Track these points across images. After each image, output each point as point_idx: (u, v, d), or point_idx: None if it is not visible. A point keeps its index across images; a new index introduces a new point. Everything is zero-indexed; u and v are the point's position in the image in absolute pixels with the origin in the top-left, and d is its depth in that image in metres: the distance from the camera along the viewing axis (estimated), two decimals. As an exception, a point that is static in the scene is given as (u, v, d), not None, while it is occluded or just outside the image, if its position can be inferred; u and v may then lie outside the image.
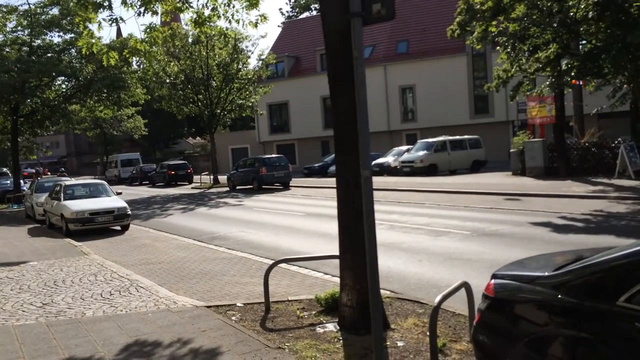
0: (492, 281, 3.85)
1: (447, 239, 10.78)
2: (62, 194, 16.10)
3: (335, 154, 6.02)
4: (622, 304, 2.96)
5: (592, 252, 3.76)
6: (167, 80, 33.54)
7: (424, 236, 11.32)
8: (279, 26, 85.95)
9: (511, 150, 24.82)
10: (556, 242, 9.68)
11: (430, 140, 30.01)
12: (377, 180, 25.35)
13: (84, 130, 50.41)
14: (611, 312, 2.99)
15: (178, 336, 5.81)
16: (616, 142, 20.80)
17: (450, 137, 29.92)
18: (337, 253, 6.08)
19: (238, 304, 6.97)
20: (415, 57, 39.70)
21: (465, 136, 30.57)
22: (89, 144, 73.69)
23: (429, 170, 27.90)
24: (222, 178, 33.89)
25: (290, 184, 28.39)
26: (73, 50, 26.08)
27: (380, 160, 31.89)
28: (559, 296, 3.30)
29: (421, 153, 28.89)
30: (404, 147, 33.06)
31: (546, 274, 3.53)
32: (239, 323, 6.19)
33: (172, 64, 33.27)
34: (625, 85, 21.39)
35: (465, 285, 5.19)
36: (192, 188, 33.98)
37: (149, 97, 33.47)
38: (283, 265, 8.78)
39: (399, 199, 18.92)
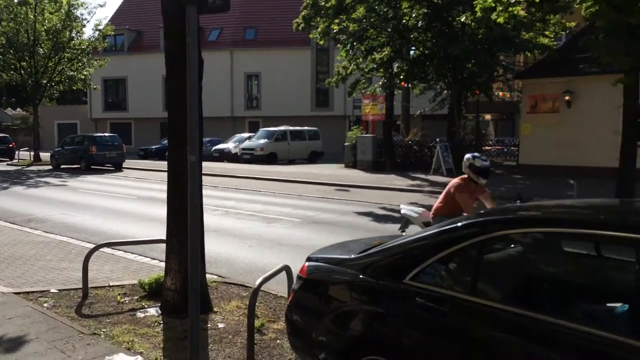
0: (306, 263, 4.14)
1: (279, 226, 11.17)
2: None
3: (168, 137, 5.93)
4: (407, 282, 3.40)
5: (395, 238, 4.21)
6: (-16, 42, 29.65)
7: (257, 223, 11.59)
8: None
9: (345, 144, 26.33)
10: (375, 230, 10.56)
11: (271, 129, 30.62)
12: (217, 166, 25.24)
13: None
14: (399, 289, 3.43)
15: (-23, 325, 5.30)
16: (434, 142, 23.16)
17: (291, 128, 30.81)
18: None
19: (52, 290, 6.53)
20: (262, 45, 40.03)
21: (305, 127, 31.70)
22: None
23: (269, 158, 28.47)
24: (45, 155, 30.95)
25: (124, 166, 26.97)
26: None
27: (221, 146, 31.76)
28: (361, 276, 3.68)
29: (262, 141, 29.35)
30: (246, 135, 33.28)
31: (352, 256, 3.91)
32: (51, 310, 5.82)
33: (-9, 24, 29.48)
34: (444, 92, 23.93)
35: (286, 268, 5.47)
36: (8, 165, 30.58)
37: (-40, 58, 29.31)
38: (108, 250, 8.41)
39: (237, 185, 19.05)
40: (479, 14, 13.38)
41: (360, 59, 22.83)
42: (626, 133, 11.88)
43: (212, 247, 8.43)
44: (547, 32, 21.37)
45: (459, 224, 3.49)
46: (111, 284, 6.83)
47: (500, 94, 30.57)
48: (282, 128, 30.45)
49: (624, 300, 2.78)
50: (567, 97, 19.46)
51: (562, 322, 2.73)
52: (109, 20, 38.44)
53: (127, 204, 14.52)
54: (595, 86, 18.33)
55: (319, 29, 22.49)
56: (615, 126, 13.18)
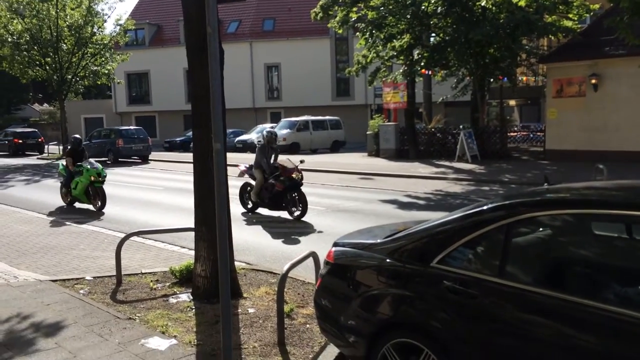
0: (333, 249, 4.21)
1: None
2: None
3: (192, 128, 6.04)
4: (434, 265, 3.45)
5: (420, 223, 4.25)
6: (9, 39, 30.24)
7: (282, 212, 11.68)
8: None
9: (367, 133, 26.28)
10: (400, 217, 10.60)
11: (293, 119, 30.71)
12: (240, 157, 25.35)
13: None
14: (426, 273, 3.48)
15: (18, 311, 5.51)
16: (457, 129, 22.97)
17: (313, 117, 30.85)
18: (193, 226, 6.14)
19: (87, 278, 6.75)
20: (281, 36, 40.04)
21: (327, 117, 31.71)
22: None
23: (292, 148, 28.55)
24: (74, 149, 31.56)
25: (150, 158, 27.42)
26: None
27: (244, 137, 31.99)
28: (387, 260, 3.74)
29: (284, 131, 29.44)
30: (268, 125, 33.41)
31: (378, 241, 3.96)
32: (87, 296, 6.03)
33: (15, 21, 30.05)
34: (467, 78, 23.65)
35: (313, 255, 5.57)
36: (38, 159, 31.31)
37: (-13, 56, 30.07)
38: (138, 239, 8.64)
39: (260, 175, 19.16)
40: (499, -3, 13.15)
41: (380, 47, 22.68)
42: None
43: (239, 235, 8.58)
44: (570, 15, 20.94)
45: (485, 207, 3.51)
46: (143, 271, 7.02)
47: (524, 78, 30.11)
48: (304, 118, 30.51)
49: None
50: (593, 81, 19.10)
51: (593, 303, 2.74)
52: (129, 15, 38.90)
53: (155, 194, 14.78)
54: (622, 68, 17.96)
55: (337, 18, 22.39)
56: (643, 109, 12.85)
